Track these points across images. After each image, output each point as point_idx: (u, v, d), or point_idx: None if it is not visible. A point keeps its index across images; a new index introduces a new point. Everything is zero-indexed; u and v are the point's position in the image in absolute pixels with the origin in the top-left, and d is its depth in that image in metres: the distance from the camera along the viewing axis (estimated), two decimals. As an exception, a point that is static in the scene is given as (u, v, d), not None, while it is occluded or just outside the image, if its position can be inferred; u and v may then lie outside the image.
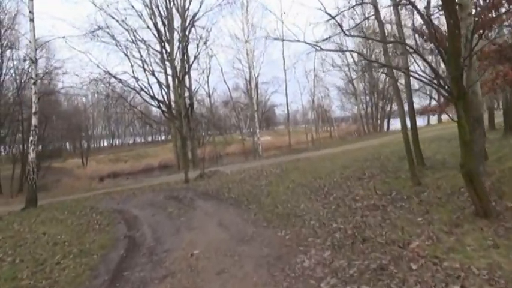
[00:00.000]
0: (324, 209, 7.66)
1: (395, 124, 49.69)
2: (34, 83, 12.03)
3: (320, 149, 25.54)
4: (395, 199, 7.67)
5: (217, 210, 8.92)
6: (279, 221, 7.18)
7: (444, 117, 47.46)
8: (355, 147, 22.01)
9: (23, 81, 29.85)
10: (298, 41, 6.35)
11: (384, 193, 8.24)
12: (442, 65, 13.09)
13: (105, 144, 65.77)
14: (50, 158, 44.43)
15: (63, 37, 17.20)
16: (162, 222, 8.20)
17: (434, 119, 52.24)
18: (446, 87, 5.81)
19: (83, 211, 10.33)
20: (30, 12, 11.72)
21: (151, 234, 7.43)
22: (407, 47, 9.13)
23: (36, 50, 12.76)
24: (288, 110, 35.97)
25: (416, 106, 49.17)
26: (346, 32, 8.22)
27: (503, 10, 9.77)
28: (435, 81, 6.01)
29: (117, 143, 66.83)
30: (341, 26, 7.19)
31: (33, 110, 11.51)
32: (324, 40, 9.02)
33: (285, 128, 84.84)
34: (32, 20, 11.79)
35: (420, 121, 55.76)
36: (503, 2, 9.28)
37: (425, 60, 7.11)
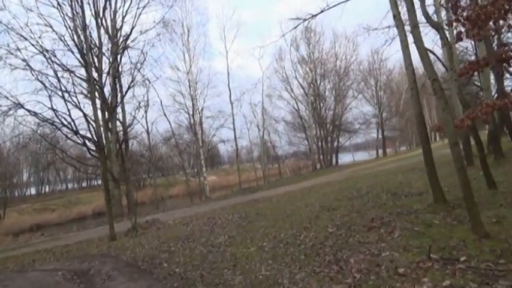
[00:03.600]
0: (360, 303, 3.78)
1: (343, 159, 47.98)
2: None
3: (276, 186, 21.87)
4: (482, 273, 4.00)
5: (147, 307, 4.70)
6: None
7: (388, 150, 46.43)
8: (317, 183, 18.69)
9: None
10: None
11: (443, 258, 4.56)
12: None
13: (33, 192, 57.35)
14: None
15: None
16: None
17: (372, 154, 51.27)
18: None
19: None
20: None
21: None
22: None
23: None
24: (236, 145, 32.23)
25: (360, 140, 47.76)
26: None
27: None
28: None
29: (46, 190, 58.63)
30: None
31: None
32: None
33: (229, 166, 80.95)
34: None
35: (364, 155, 54.72)
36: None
37: None
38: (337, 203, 10.08)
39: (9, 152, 47.73)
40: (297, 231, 7.37)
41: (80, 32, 19.00)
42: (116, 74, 19.57)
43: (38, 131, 19.90)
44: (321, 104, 35.49)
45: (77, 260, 8.25)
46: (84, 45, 19.21)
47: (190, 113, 28.48)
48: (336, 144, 38.44)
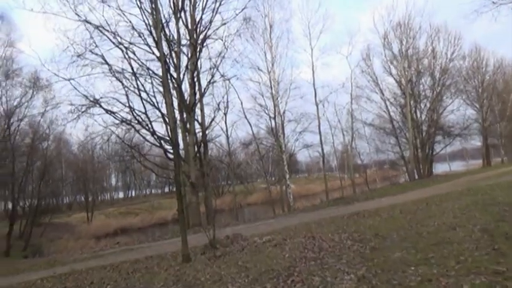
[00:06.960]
0: None
1: (437, 168, 41.87)
2: None
3: (373, 198, 18.13)
4: None
5: None
6: None
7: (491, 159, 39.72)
8: (429, 195, 14.74)
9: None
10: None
11: None
12: None
13: (121, 196, 59.13)
14: (55, 212, 38.81)
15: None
16: None
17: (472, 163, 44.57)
18: None
19: None
20: None
21: None
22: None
23: None
24: (322, 151, 28.80)
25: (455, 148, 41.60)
26: None
27: None
28: None
29: (132, 194, 60.10)
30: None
31: None
32: None
33: (308, 175, 77.29)
34: None
35: (460, 165, 47.93)
36: None
37: None
38: (509, 227, 6.48)
39: (99, 157, 49.16)
40: (487, 279, 4.05)
41: (158, 25, 17.35)
42: (194, 69, 17.53)
43: (117, 132, 18.63)
44: (417, 107, 30.68)
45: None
46: (162, 39, 17.52)
47: (271, 115, 25.80)
48: (431, 151, 33.17)
